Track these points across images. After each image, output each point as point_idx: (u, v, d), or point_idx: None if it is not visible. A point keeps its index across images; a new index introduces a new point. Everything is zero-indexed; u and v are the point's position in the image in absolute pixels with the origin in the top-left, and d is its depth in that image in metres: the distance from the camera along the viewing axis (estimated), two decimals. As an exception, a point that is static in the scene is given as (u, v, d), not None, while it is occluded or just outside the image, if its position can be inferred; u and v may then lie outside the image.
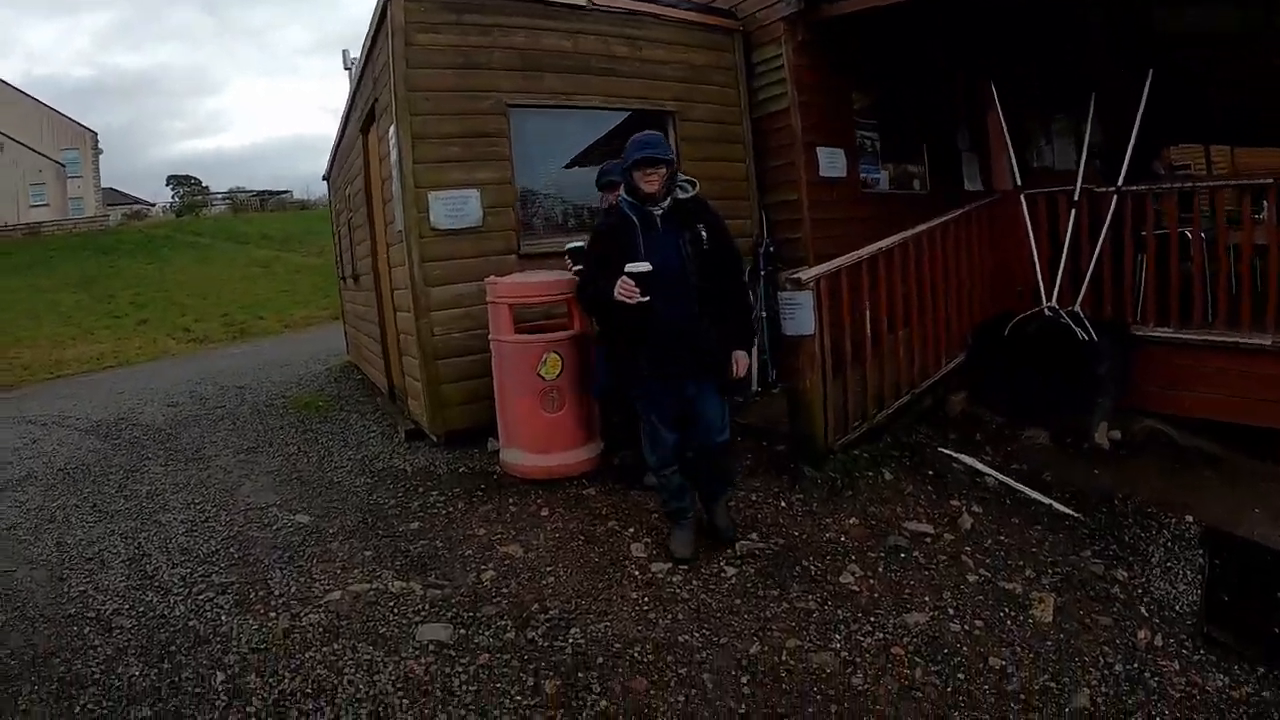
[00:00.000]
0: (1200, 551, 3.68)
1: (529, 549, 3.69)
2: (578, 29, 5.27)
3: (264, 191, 41.52)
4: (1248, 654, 3.00)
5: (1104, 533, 3.88)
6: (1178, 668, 2.95)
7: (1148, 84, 4.94)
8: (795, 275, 4.24)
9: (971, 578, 3.48)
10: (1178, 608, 3.32)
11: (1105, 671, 2.92)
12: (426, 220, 4.69)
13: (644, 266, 3.22)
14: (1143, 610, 3.30)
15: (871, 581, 3.41)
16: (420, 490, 4.43)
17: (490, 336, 4.39)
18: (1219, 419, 4.57)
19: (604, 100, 5.30)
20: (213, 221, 32.47)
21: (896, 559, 3.59)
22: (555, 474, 4.29)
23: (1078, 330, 4.91)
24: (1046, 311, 5.14)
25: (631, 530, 3.82)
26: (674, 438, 3.45)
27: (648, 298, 3.22)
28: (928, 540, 3.77)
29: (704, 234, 3.32)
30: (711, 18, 5.92)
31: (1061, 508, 4.11)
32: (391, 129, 4.78)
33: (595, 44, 5.31)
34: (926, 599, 3.30)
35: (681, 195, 3.36)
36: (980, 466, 4.52)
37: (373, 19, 5.09)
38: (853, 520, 3.90)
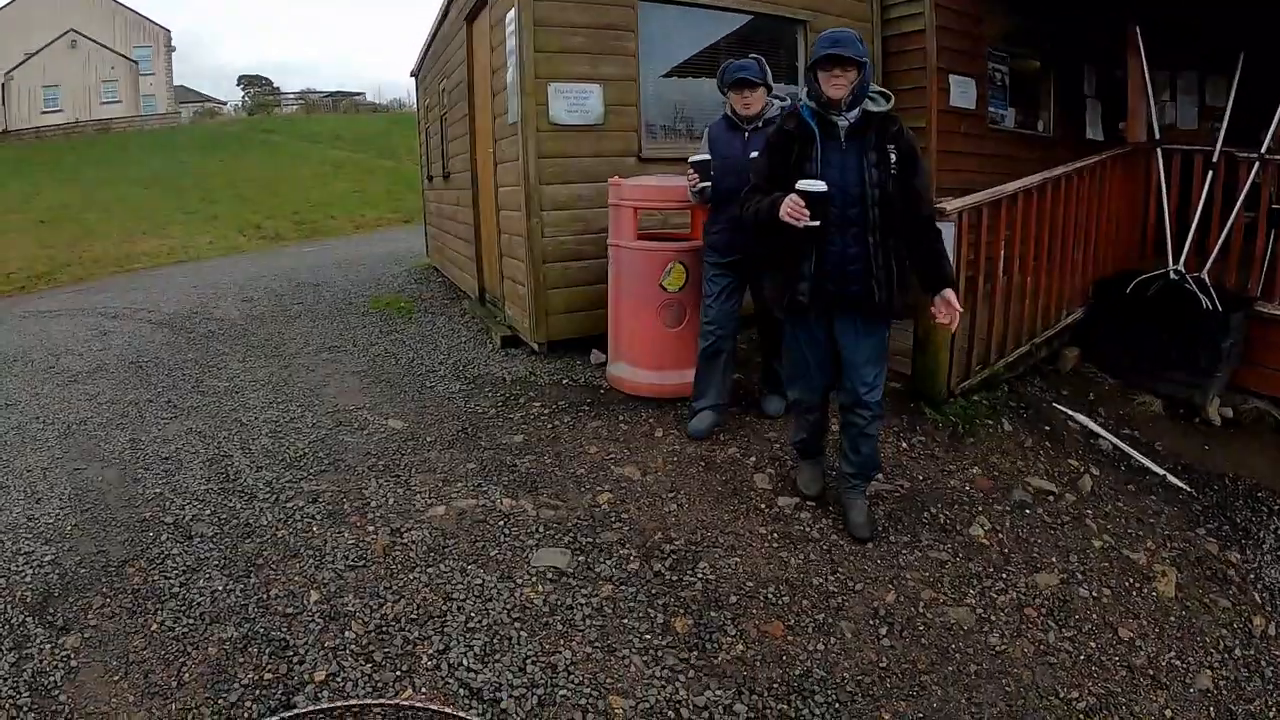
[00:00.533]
0: (1310, 543, 3.36)
1: (646, 472, 3.28)
2: (714, -82, 4.55)
3: (337, 92, 40.32)
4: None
5: (1216, 511, 3.57)
6: (1292, 660, 2.68)
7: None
8: (939, 205, 3.69)
9: (1096, 543, 3.16)
10: (1289, 598, 3.01)
11: (1225, 655, 2.71)
12: (545, 113, 4.14)
13: (819, 185, 2.56)
14: (1256, 596, 3.06)
15: (1000, 536, 3.09)
16: (521, 400, 4.00)
17: (610, 242, 3.86)
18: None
19: (736, 1, 4.64)
20: (285, 120, 31.55)
21: (1022, 515, 3.25)
22: (669, 393, 3.81)
23: (1203, 298, 4.39)
24: (1172, 275, 4.60)
25: (753, 459, 3.40)
26: (825, 379, 2.92)
27: (818, 222, 2.55)
28: (1050, 499, 3.42)
29: (893, 157, 2.63)
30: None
31: (1175, 480, 3.77)
32: (510, 13, 4.19)
33: (732, -62, 4.60)
34: (1054, 560, 3.01)
35: (873, 108, 2.66)
36: (1096, 428, 4.12)
37: (493, -106, 4.44)
38: (976, 470, 3.51)
